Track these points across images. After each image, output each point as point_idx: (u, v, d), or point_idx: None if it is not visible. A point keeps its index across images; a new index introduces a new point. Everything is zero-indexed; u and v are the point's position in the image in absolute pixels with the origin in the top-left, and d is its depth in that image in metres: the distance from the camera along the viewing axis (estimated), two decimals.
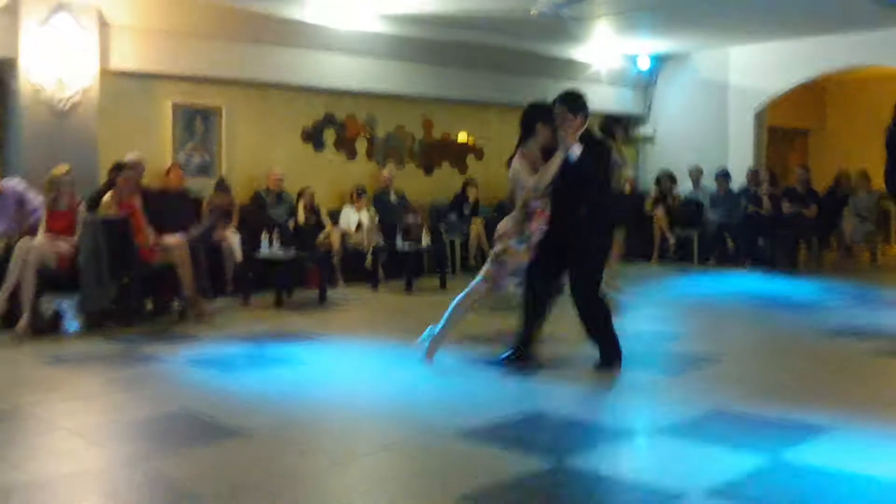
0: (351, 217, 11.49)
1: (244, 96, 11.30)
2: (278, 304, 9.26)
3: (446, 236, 12.23)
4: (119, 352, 6.86)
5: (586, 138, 6.10)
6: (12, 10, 8.97)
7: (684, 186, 14.16)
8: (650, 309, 9.17)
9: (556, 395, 5.53)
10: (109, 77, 9.74)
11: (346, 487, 3.96)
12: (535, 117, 6.21)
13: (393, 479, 4.08)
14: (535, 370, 6.14)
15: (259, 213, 10.76)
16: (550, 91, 13.73)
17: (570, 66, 14.11)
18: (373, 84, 12.11)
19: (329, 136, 12.21)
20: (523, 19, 11.70)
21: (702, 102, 14.96)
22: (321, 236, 10.92)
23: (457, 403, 5.34)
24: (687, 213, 13.74)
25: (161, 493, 3.82)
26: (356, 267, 10.99)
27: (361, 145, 12.57)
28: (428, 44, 12.28)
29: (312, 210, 11.19)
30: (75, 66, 9.30)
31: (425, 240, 10.96)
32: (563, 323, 7.17)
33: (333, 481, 4.00)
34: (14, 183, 8.51)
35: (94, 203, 8.35)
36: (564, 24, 12.13)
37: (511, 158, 6.28)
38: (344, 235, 11.18)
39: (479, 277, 6.26)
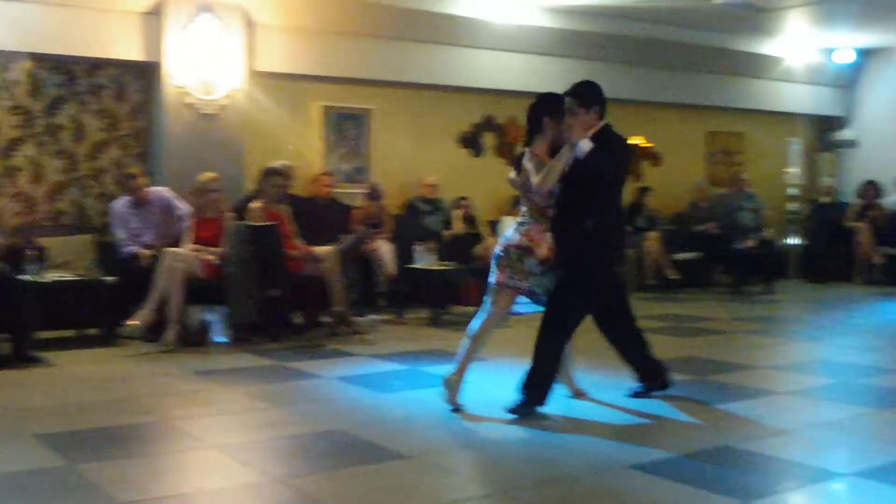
0: None
1: (395, 98, 11.60)
2: (434, 320, 9.47)
3: None
4: (268, 367, 7.20)
5: (603, 137, 5.64)
6: (155, 13, 9.47)
7: (892, 198, 13.68)
8: (850, 338, 8.90)
9: (740, 428, 5.47)
10: (256, 79, 10.17)
11: None
12: (542, 111, 5.86)
13: None
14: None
15: (413, 222, 11.02)
16: (733, 89, 13.81)
17: (758, 62, 13.88)
18: (535, 83, 12.06)
19: (488, 140, 12.39)
20: (706, 9, 11.60)
21: None
22: (479, 248, 11.08)
23: (630, 433, 5.35)
24: (895, 228, 13.27)
25: None
26: None
27: None
28: (596, 38, 12.30)
29: (470, 220, 11.38)
30: (221, 68, 9.73)
31: None
32: (749, 348, 7.04)
33: None
34: (161, 191, 9.04)
35: (241, 211, 8.74)
36: (753, 15, 11.96)
37: (518, 159, 5.94)
38: None
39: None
